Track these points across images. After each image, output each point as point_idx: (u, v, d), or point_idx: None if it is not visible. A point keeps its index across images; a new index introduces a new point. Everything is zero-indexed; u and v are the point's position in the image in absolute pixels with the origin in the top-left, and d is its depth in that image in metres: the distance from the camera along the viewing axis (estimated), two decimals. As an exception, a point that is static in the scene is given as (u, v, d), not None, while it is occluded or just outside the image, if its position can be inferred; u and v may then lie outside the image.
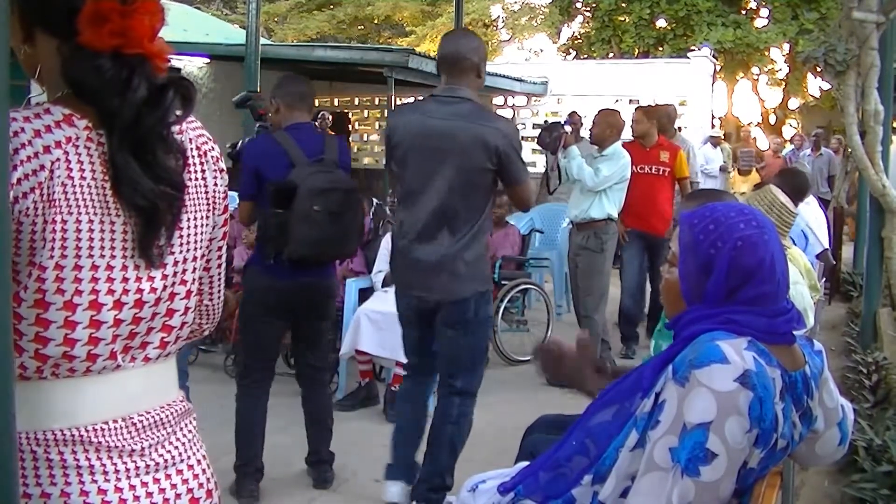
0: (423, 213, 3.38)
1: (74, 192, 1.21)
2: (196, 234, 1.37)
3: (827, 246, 5.69)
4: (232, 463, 3.82)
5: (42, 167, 1.18)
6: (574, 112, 8.67)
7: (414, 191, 3.40)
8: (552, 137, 5.72)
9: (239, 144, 4.20)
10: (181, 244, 1.35)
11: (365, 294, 5.51)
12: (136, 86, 1.23)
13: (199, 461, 1.41)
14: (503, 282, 6.13)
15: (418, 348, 3.65)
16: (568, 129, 5.71)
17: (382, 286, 5.41)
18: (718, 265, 1.71)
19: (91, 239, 1.23)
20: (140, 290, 1.29)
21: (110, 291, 1.26)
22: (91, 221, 1.23)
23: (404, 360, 4.89)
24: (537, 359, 2.29)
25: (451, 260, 3.36)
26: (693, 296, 1.77)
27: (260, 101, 4.25)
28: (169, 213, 1.29)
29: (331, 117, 11.37)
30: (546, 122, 6.09)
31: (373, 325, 5.02)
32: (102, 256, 1.24)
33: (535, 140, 6.25)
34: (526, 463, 2.14)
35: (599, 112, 6.00)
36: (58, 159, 1.19)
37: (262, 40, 9.56)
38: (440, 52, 3.45)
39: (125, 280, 1.27)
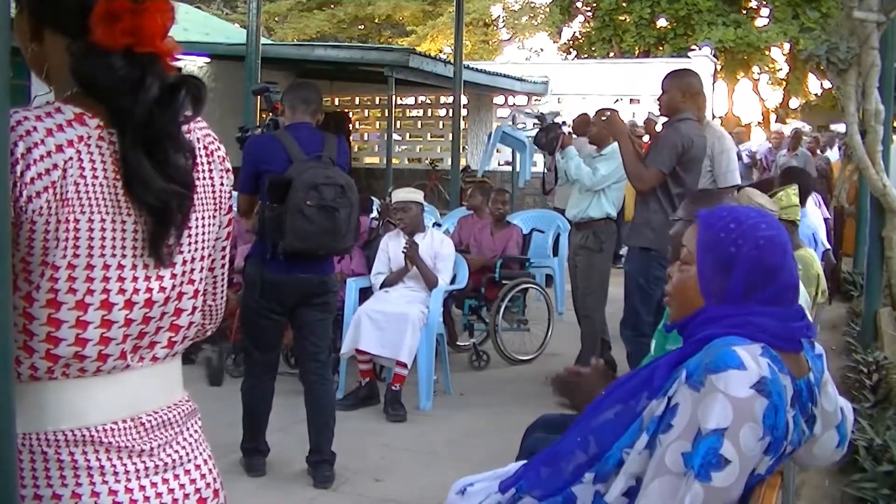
0: None
1: (87, 192, 1.21)
2: (204, 233, 1.38)
3: (828, 245, 5.70)
4: (233, 462, 3.99)
5: (55, 166, 1.18)
6: (584, 114, 7.96)
7: (692, 188, 4.63)
8: (549, 138, 5.71)
9: (249, 131, 4.36)
10: (190, 243, 1.35)
11: (365, 294, 5.50)
12: (149, 85, 1.23)
13: (205, 461, 1.41)
14: (504, 281, 6.13)
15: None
16: (565, 129, 5.68)
17: (381, 287, 5.41)
18: (739, 263, 1.72)
19: (103, 238, 1.23)
20: (150, 290, 1.29)
21: (121, 291, 1.26)
22: (103, 221, 1.22)
23: (404, 360, 4.93)
24: (555, 389, 2.30)
25: None
26: (712, 294, 1.77)
27: (277, 94, 4.32)
28: (179, 213, 1.29)
29: (322, 117, 11.24)
30: (539, 114, 6.06)
31: (373, 324, 5.01)
32: (114, 256, 1.24)
33: (532, 140, 6.21)
34: (520, 462, 2.12)
35: (597, 112, 5.99)
36: (70, 158, 1.19)
37: (263, 40, 9.54)
38: (698, 88, 4.67)
39: (136, 279, 1.27)
